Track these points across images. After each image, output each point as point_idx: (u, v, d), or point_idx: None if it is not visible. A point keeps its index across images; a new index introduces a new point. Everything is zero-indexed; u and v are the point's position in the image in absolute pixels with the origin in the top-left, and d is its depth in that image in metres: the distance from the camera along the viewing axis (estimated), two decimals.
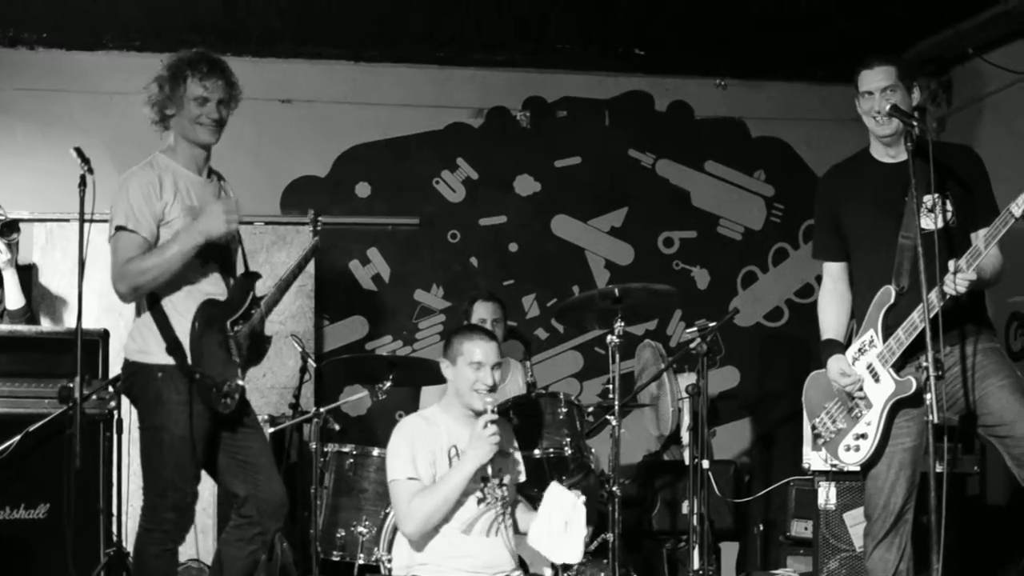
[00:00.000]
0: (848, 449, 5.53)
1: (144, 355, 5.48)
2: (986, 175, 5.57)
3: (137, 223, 5.43)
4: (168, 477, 5.43)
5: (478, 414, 5.54)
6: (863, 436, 5.47)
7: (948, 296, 5.11)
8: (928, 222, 5.36)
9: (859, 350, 5.50)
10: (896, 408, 5.39)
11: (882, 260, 5.45)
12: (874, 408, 5.43)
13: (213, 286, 5.57)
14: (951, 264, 5.12)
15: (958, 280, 5.07)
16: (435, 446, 5.49)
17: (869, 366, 5.45)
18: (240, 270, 5.80)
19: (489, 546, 5.45)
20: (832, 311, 5.73)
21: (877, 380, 5.42)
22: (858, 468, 5.63)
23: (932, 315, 5.00)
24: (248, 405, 5.72)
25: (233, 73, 5.66)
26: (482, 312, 8.06)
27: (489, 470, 5.42)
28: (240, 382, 5.55)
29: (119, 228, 5.46)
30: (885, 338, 5.40)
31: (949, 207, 5.46)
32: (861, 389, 5.47)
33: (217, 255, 5.61)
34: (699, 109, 9.75)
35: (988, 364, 5.40)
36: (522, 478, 5.91)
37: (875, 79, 5.51)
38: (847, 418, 5.55)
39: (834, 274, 5.76)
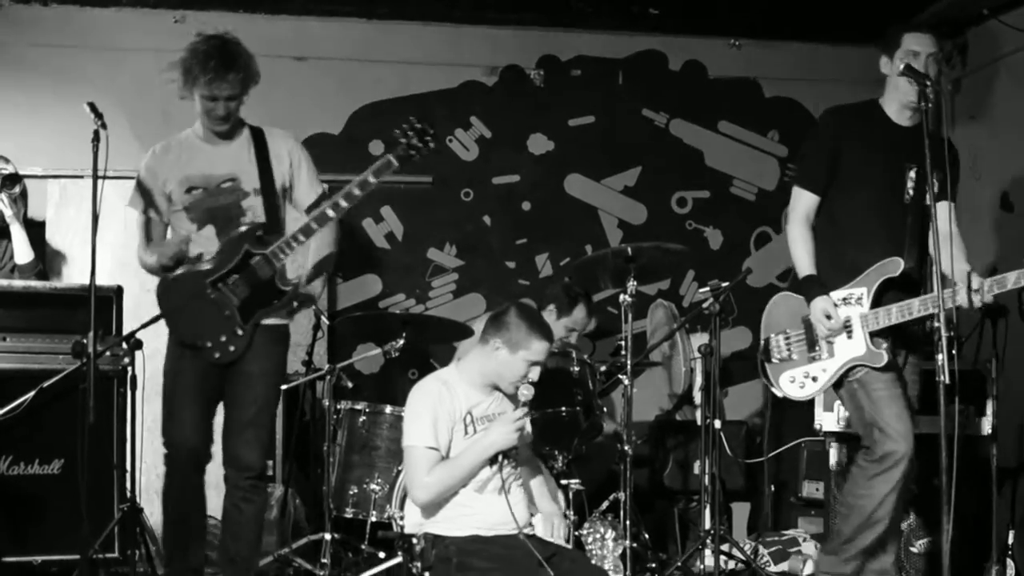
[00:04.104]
0: (793, 381, 5.86)
1: None
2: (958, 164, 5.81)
3: (141, 204, 6.05)
4: (163, 422, 6.00)
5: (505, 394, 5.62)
6: (814, 378, 5.79)
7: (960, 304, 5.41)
8: (929, 197, 5.66)
9: (843, 299, 5.66)
10: (853, 369, 5.63)
11: (881, 221, 5.66)
12: (835, 359, 5.69)
13: (204, 248, 5.93)
14: (975, 279, 5.42)
15: (975, 299, 5.37)
16: (455, 414, 5.48)
17: (847, 320, 5.63)
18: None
19: (501, 504, 5.46)
20: (808, 246, 5.80)
21: (849, 336, 5.64)
22: (793, 398, 5.94)
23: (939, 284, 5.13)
24: (261, 359, 5.94)
25: (245, 60, 5.83)
26: (580, 323, 7.98)
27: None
28: (238, 331, 5.83)
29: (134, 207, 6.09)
30: (874, 303, 5.57)
31: (936, 186, 5.65)
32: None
33: (217, 218, 5.93)
34: (713, 69, 9.72)
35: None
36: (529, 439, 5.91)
37: (925, 42, 5.65)
38: (803, 353, 5.83)
39: (811, 207, 5.82)
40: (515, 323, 5.53)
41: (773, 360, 5.98)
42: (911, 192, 5.71)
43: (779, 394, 6.07)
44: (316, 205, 5.96)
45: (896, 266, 5.56)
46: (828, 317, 5.62)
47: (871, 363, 5.57)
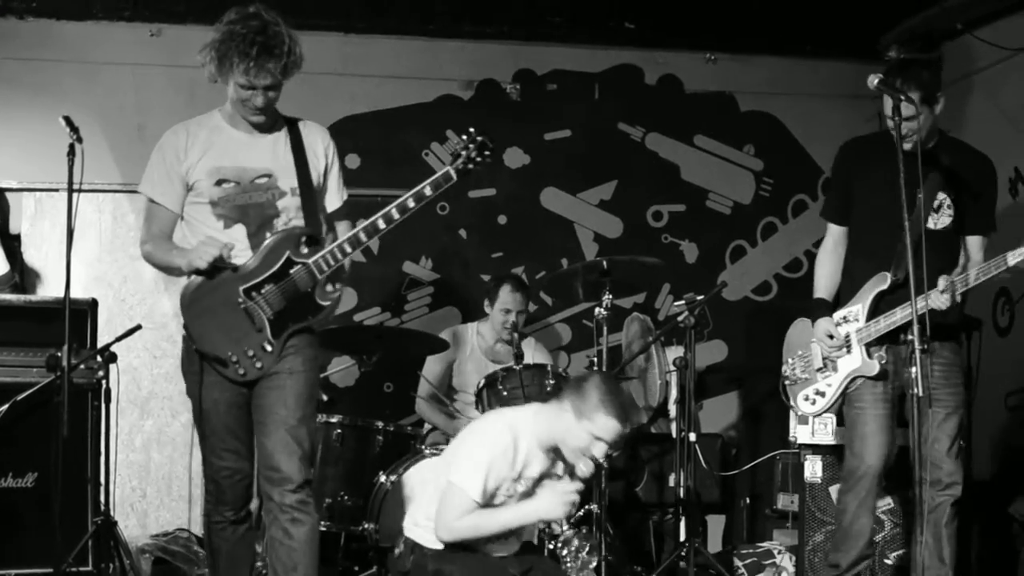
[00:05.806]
0: (807, 399, 6.16)
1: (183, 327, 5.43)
2: (995, 187, 5.94)
3: (157, 193, 5.40)
4: (202, 446, 5.48)
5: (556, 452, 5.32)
6: (822, 394, 6.07)
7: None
8: (932, 221, 5.76)
9: (843, 318, 5.94)
10: (853, 380, 5.92)
11: (885, 241, 5.74)
12: (838, 374, 5.97)
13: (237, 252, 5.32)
14: (941, 280, 5.47)
15: (943, 299, 5.47)
16: (511, 472, 5.24)
17: (847, 336, 5.88)
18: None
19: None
20: (828, 271, 6.11)
21: (848, 351, 5.92)
22: (809, 414, 6.25)
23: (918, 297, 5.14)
24: (289, 359, 5.33)
25: (289, 44, 5.30)
26: (509, 302, 7.97)
27: None
28: (267, 347, 5.26)
29: (147, 197, 5.46)
30: (868, 318, 5.81)
31: (950, 210, 5.80)
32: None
33: (249, 217, 5.37)
34: (689, 83, 9.73)
35: (942, 383, 5.78)
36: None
37: (903, 111, 5.44)
38: (812, 371, 6.12)
39: (836, 237, 6.12)
40: (589, 391, 5.19)
41: (789, 382, 6.28)
42: (923, 213, 5.61)
43: (798, 413, 6.35)
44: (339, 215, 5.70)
45: (883, 280, 5.78)
46: (830, 336, 5.93)
47: (867, 373, 5.83)
